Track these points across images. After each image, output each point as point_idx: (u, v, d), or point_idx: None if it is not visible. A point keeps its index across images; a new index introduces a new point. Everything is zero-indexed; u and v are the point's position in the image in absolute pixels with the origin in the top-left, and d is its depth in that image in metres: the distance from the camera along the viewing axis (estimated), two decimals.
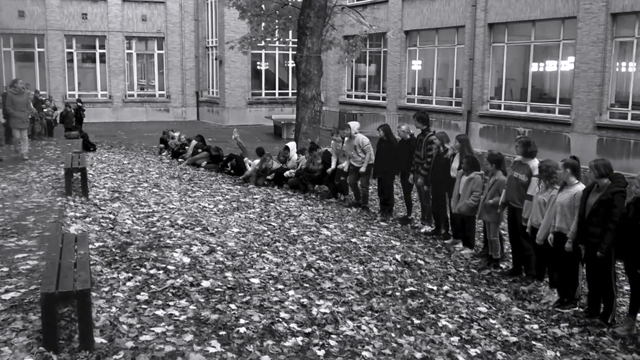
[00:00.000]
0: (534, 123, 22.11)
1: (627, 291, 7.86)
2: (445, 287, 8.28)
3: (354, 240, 10.39)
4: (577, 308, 7.78)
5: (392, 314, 7.10)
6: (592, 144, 19.87)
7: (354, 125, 13.71)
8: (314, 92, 17.62)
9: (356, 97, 32.44)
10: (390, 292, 7.86)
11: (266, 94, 34.02)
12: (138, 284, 7.35)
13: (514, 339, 6.72)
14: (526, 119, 22.49)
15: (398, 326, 6.76)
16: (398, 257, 9.50)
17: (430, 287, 8.22)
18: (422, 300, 7.63)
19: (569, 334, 6.99)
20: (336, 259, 9.18)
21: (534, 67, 23.15)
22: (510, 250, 9.51)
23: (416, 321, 6.96)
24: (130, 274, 7.64)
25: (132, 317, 6.31)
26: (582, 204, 7.38)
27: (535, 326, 7.17)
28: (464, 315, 7.30)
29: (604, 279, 7.31)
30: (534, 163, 8.74)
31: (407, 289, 7.99)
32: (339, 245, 9.99)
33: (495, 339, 6.70)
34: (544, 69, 23.50)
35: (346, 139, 13.66)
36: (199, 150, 19.11)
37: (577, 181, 7.69)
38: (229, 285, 7.54)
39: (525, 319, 7.39)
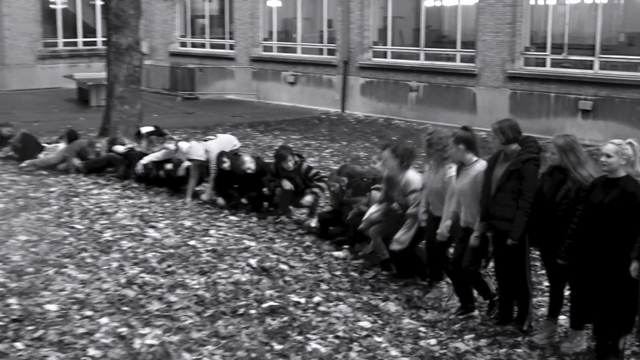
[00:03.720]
0: (430, 75, 22.84)
1: (546, 288, 8.34)
2: (317, 299, 8.47)
3: (192, 242, 10.43)
4: (484, 314, 8.17)
5: (244, 339, 7.20)
6: (503, 100, 20.78)
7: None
8: (130, 40, 17.39)
9: (193, 45, 32.20)
10: (242, 310, 7.96)
11: (65, 45, 33.02)
12: None
13: (406, 359, 6.99)
14: (420, 70, 23.17)
15: (253, 355, 6.86)
16: (253, 262, 9.61)
17: (296, 299, 8.39)
18: (286, 318, 7.78)
19: (475, 348, 7.34)
20: (168, 270, 9.19)
21: (427, 0, 23.86)
22: None
23: (277, 347, 7.09)
24: None
25: None
26: (486, 179, 7.68)
27: (433, 341, 7.47)
28: (340, 334, 7.50)
29: (517, 274, 7.69)
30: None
31: (265, 305, 8.12)
32: (172, 250, 10.00)
33: None
34: (441, 3, 24.34)
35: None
36: None
37: (475, 158, 7.99)
38: (14, 317, 7.40)
39: (420, 333, 7.69)
